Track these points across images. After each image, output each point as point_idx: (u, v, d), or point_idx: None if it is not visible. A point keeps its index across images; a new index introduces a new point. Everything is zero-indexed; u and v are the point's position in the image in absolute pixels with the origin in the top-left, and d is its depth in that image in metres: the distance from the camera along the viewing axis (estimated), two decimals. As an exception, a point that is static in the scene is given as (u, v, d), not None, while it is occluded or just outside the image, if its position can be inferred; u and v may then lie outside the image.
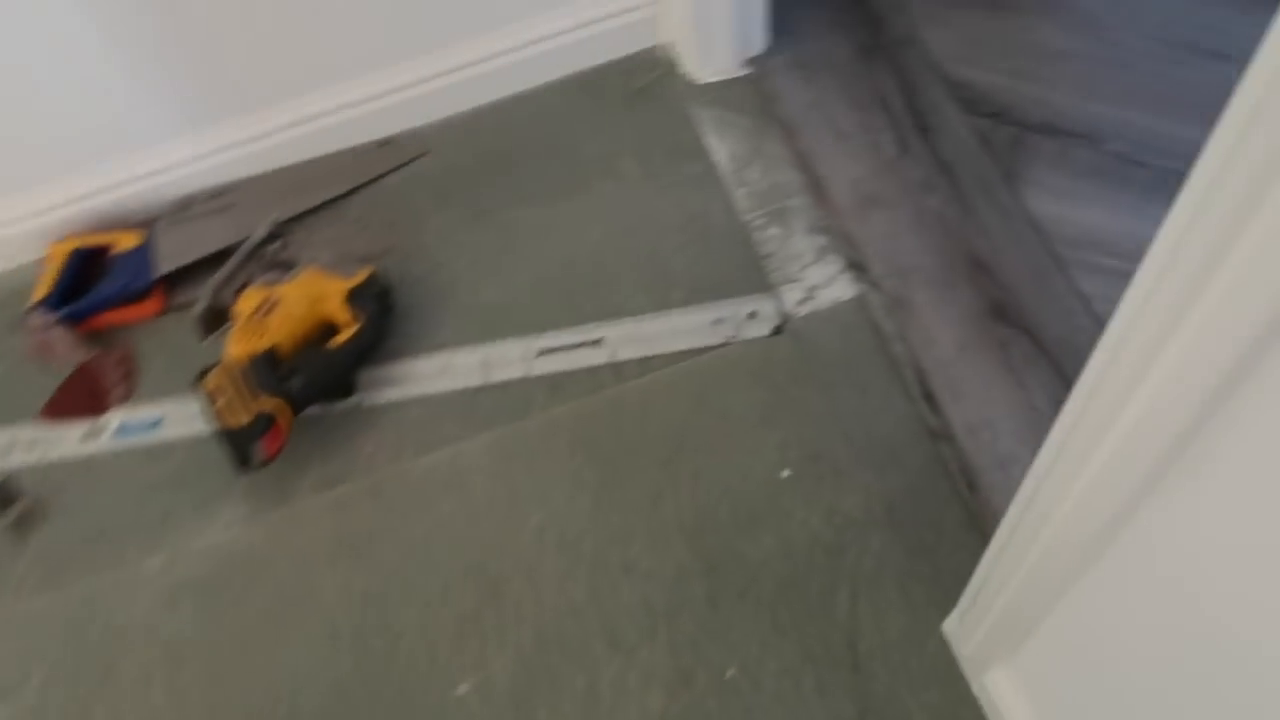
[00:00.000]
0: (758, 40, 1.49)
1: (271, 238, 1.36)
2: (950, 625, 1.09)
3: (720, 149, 1.44)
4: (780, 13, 1.48)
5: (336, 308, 1.28)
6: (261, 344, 1.23)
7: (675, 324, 1.30)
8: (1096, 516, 0.60)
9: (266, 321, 1.25)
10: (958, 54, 1.47)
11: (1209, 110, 1.50)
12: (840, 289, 1.31)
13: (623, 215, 1.40)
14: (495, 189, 1.45)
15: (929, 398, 1.22)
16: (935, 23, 1.50)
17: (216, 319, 1.33)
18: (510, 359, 1.30)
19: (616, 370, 1.28)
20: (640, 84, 1.52)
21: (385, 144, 1.50)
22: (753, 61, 1.50)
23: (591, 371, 1.28)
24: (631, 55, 1.55)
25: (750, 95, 1.48)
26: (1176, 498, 0.52)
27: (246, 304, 1.28)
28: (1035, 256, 1.29)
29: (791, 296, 1.31)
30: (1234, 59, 1.40)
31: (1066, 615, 0.74)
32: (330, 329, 1.29)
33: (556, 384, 1.27)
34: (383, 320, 1.30)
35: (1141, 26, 1.44)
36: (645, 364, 1.28)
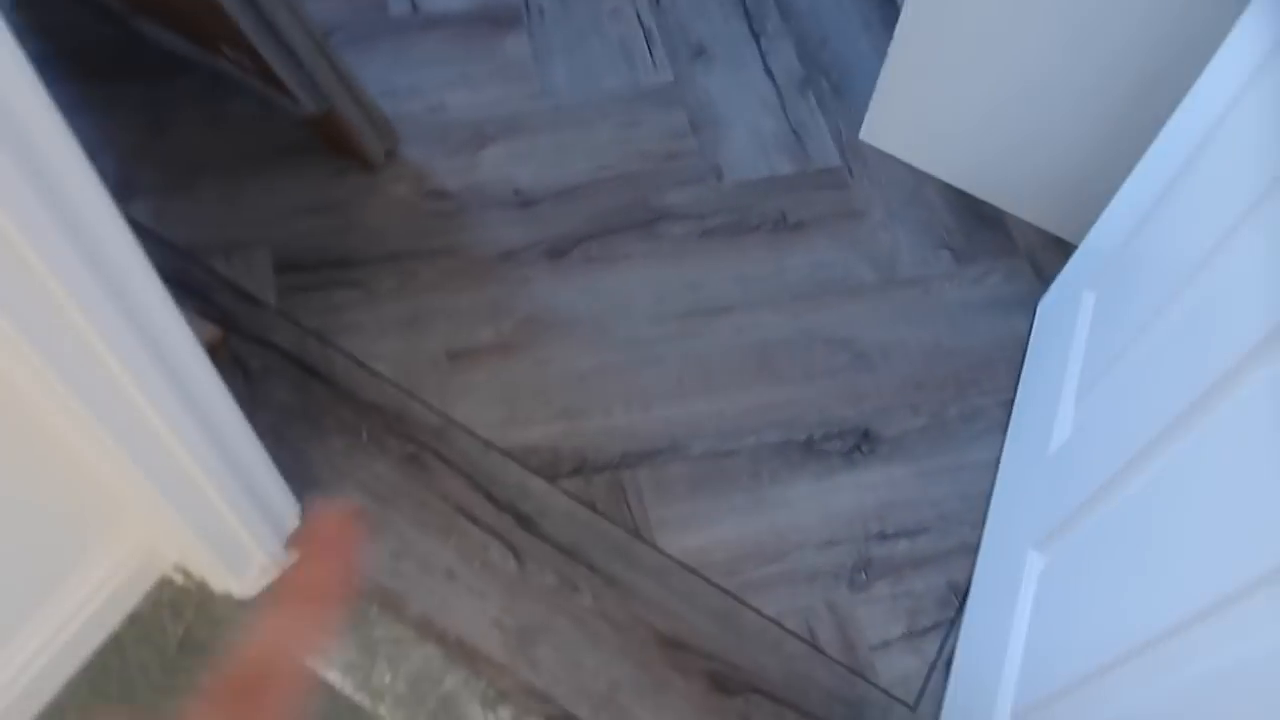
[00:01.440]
0: (289, 509, 1.24)
1: None
2: None
3: (327, 669, 1.18)
4: (297, 466, 1.25)
5: None
6: None
7: None
8: None
9: None
10: (499, 418, 1.36)
11: (747, 363, 1.58)
12: (563, 758, 1.14)
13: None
14: None
15: (719, 820, 1.12)
16: (457, 396, 1.38)
17: None
18: None
19: None
20: (176, 636, 1.19)
21: None
22: (298, 539, 1.25)
23: None
24: (138, 609, 1.20)
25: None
26: None
27: None
28: (711, 601, 1.25)
29: (521, 802, 1.12)
30: (735, 307, 1.48)
31: None
32: None
33: None
34: None
35: (642, 315, 1.46)
36: None
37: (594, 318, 1.46)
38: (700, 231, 1.55)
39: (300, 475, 1.27)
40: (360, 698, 1.17)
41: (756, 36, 1.78)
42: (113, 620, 1.19)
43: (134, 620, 1.20)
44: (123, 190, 1.52)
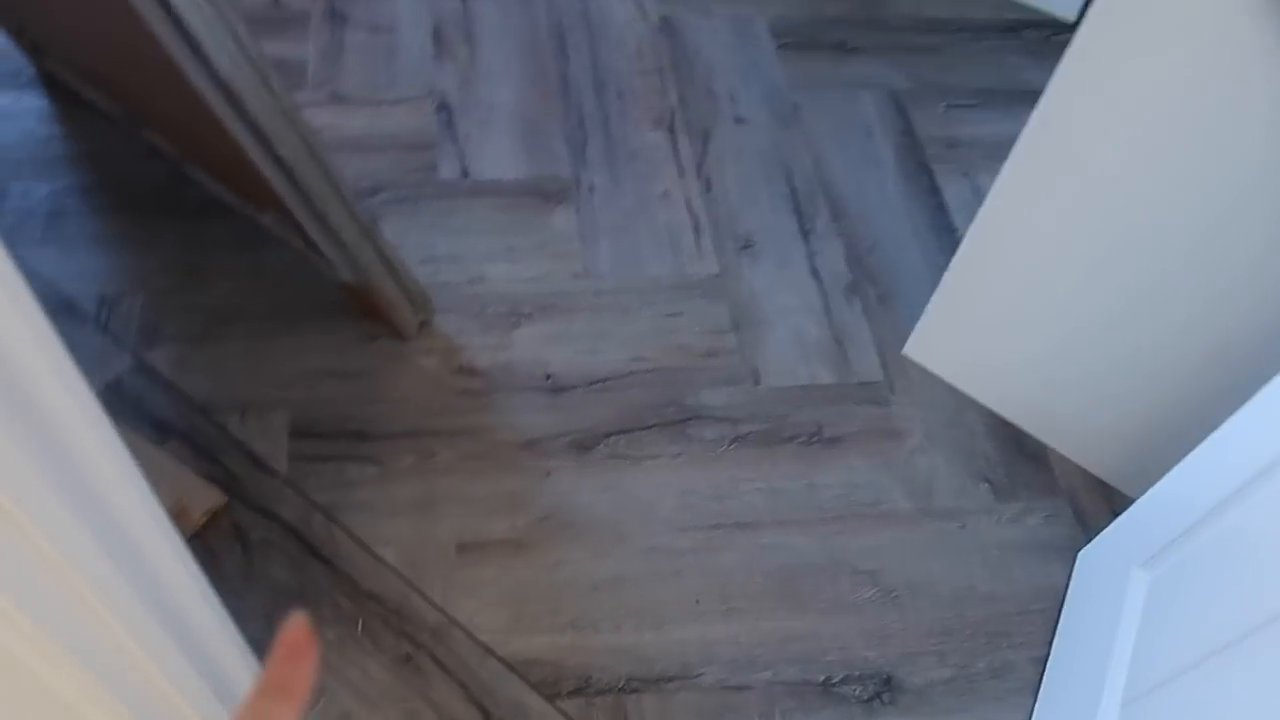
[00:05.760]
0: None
1: None
2: None
3: None
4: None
5: None
6: None
7: None
8: None
9: None
10: (503, 623, 1.34)
11: (769, 586, 1.54)
12: None
13: None
14: None
15: None
16: (462, 593, 1.36)
17: None
18: None
19: None
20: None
21: None
22: None
23: None
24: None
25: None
26: None
27: None
28: None
29: None
30: (762, 524, 1.47)
31: None
32: None
33: None
34: None
35: (664, 524, 1.45)
36: None
37: (614, 521, 1.45)
38: (733, 437, 1.55)
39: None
40: None
41: (806, 234, 1.82)
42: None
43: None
44: (148, 335, 1.54)
